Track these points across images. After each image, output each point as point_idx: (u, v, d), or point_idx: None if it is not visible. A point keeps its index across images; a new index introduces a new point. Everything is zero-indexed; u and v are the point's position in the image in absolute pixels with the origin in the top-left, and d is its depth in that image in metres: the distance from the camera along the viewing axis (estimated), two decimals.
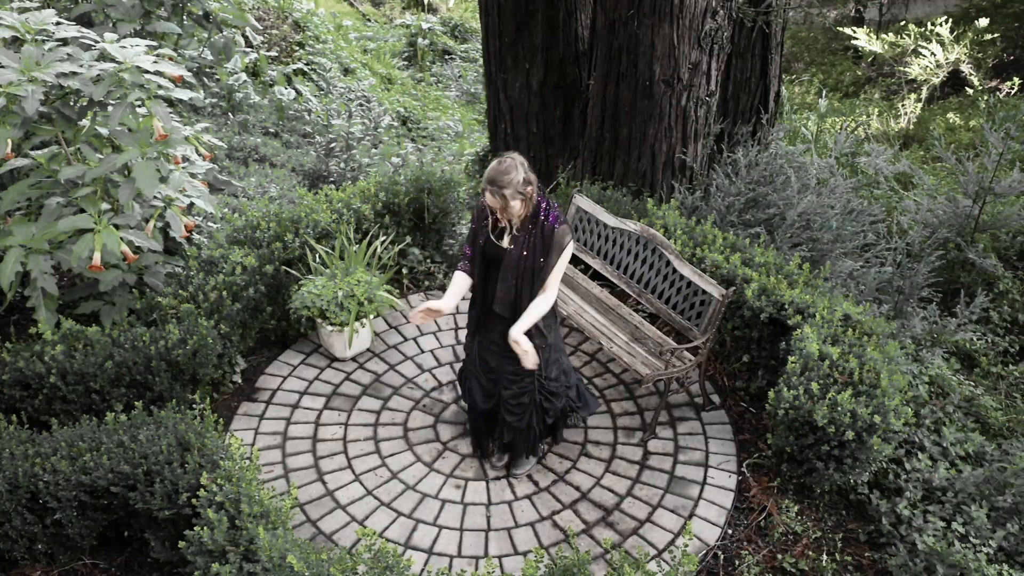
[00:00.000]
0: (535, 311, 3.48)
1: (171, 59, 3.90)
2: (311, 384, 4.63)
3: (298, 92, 9.09)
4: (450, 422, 4.40)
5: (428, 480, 4.06)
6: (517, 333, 3.44)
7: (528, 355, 3.46)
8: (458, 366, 4.77)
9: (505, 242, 3.50)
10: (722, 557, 3.70)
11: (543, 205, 3.46)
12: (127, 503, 3.38)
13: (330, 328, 4.63)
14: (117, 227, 3.71)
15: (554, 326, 3.74)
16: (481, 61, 10.87)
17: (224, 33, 5.00)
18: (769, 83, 6.22)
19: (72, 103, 3.86)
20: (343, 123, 7.66)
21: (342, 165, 6.96)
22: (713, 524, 3.84)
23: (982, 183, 5.89)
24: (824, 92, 8.66)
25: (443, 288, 5.50)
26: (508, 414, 3.82)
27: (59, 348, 3.81)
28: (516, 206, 3.35)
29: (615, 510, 3.93)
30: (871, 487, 3.98)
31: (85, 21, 4.54)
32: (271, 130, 8.08)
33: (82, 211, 3.66)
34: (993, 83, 11.73)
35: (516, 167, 3.32)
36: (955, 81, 11.81)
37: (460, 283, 3.64)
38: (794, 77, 12.78)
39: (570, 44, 6.46)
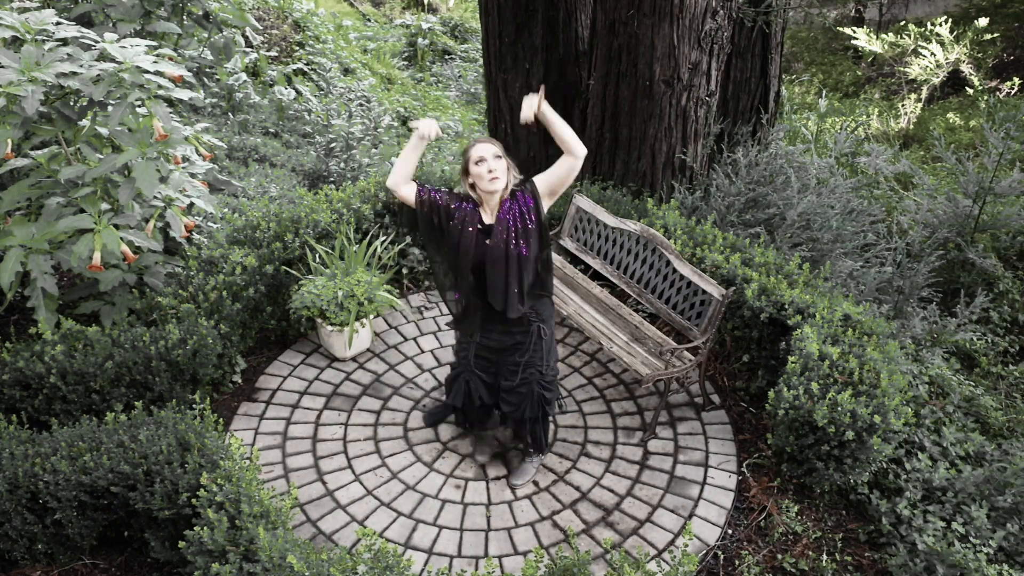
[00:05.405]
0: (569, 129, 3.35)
1: (171, 59, 3.90)
2: (311, 384, 4.63)
3: (298, 92, 9.10)
4: (450, 422, 4.40)
5: (428, 480, 4.06)
6: (543, 105, 3.29)
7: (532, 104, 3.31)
8: None
9: (489, 242, 3.47)
10: (722, 557, 3.70)
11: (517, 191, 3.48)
12: (127, 503, 3.38)
13: (330, 328, 4.63)
14: (117, 227, 3.72)
15: (550, 318, 3.75)
16: (481, 61, 10.88)
17: (224, 33, 5.00)
18: (769, 83, 6.22)
19: (72, 103, 3.86)
20: (343, 123, 7.66)
21: (342, 165, 6.96)
22: (713, 524, 3.84)
23: (982, 183, 5.90)
24: (824, 92, 8.66)
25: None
26: (505, 404, 3.85)
27: (59, 348, 3.81)
28: (505, 176, 3.37)
29: (615, 510, 3.93)
30: (871, 487, 3.98)
31: (85, 21, 4.54)
32: (271, 130, 8.08)
33: (82, 211, 3.66)
34: (993, 83, 11.74)
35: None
36: (955, 81, 11.82)
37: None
38: (794, 77, 12.79)
39: (570, 44, 6.45)
